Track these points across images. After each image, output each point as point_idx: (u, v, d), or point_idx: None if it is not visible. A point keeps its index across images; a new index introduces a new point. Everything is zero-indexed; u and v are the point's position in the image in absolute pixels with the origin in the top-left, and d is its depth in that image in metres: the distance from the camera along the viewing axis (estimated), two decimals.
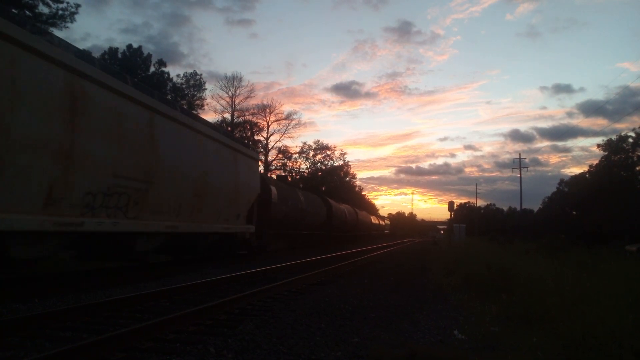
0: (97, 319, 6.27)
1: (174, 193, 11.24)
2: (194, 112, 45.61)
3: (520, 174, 50.19)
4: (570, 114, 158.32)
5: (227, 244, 15.74)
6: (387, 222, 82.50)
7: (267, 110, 54.28)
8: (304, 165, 64.21)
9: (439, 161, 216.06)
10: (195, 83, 45.51)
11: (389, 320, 7.22)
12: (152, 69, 40.26)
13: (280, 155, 58.62)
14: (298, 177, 60.80)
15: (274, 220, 21.12)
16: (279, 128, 55.23)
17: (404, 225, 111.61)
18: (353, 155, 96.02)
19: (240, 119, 52.16)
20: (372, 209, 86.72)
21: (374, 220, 60.85)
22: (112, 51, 38.74)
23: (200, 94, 46.03)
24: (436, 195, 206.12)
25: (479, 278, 10.60)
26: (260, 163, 53.70)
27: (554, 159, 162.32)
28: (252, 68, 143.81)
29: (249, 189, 16.41)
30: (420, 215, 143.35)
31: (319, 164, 65.73)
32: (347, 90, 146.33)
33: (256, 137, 54.26)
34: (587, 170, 61.21)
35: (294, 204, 24.83)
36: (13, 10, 25.92)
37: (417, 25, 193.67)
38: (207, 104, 47.83)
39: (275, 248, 23.02)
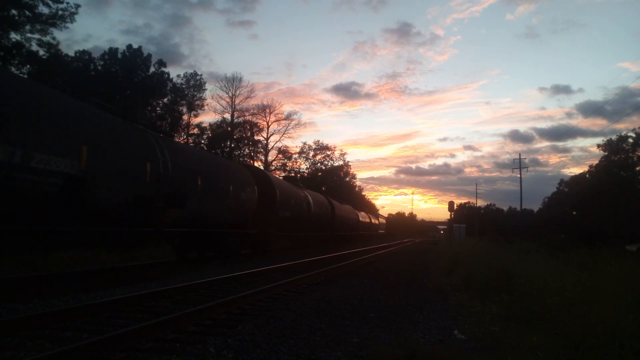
0: (97, 319, 6.28)
1: None
2: (194, 112, 45.85)
3: (520, 174, 50.26)
4: (569, 115, 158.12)
5: None
6: (382, 220, 74.06)
7: (267, 110, 54.36)
8: (304, 166, 64.45)
9: (439, 161, 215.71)
10: (195, 83, 45.57)
11: (389, 320, 7.22)
12: (152, 69, 40.29)
13: (280, 156, 58.76)
14: (298, 177, 60.82)
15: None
16: (279, 128, 55.36)
17: (404, 225, 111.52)
18: (353, 155, 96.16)
19: (240, 119, 52.21)
20: (363, 204, 79.51)
21: (363, 218, 48.81)
22: (112, 51, 38.74)
23: (201, 95, 46.14)
24: (436, 196, 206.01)
25: (479, 278, 10.60)
26: (259, 163, 54.11)
27: (553, 159, 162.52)
28: (252, 69, 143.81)
29: None
30: (420, 216, 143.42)
31: (319, 164, 65.91)
32: (347, 91, 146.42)
33: (256, 137, 54.35)
34: (587, 170, 61.32)
35: (138, 163, 11.06)
36: (13, 10, 26.05)
37: (416, 26, 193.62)
38: (207, 104, 47.90)
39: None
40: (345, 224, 37.50)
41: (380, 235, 63.07)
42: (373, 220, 57.23)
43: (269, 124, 54.77)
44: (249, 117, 52.95)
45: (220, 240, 16.06)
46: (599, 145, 55.54)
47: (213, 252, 16.20)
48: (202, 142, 46.84)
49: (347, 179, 74.62)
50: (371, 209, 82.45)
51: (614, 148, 52.90)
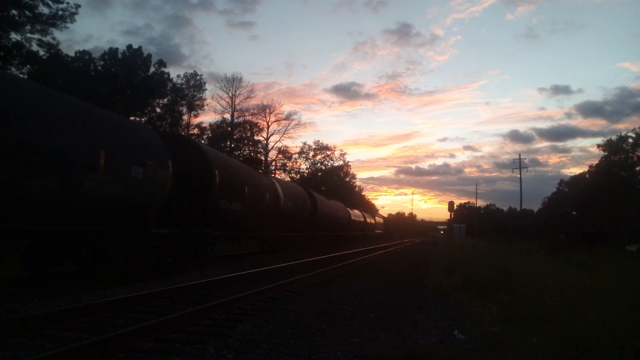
0: (97, 319, 6.28)
1: None
2: (194, 112, 45.90)
3: (520, 174, 50.29)
4: (569, 115, 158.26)
5: None
6: (380, 220, 70.42)
7: (267, 110, 54.26)
8: (304, 166, 64.33)
9: (439, 161, 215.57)
10: (195, 83, 45.49)
11: (389, 320, 7.22)
12: (152, 69, 40.25)
13: (280, 156, 58.70)
14: (298, 177, 60.82)
15: None
16: (279, 128, 55.24)
17: (404, 225, 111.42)
18: (353, 156, 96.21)
19: (240, 119, 52.16)
20: (363, 204, 76.64)
21: (356, 216, 42.97)
22: (112, 52, 38.71)
23: (201, 95, 46.04)
24: (436, 196, 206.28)
25: (479, 278, 10.61)
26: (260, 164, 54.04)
27: (553, 159, 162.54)
28: (252, 69, 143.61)
29: None
30: (420, 216, 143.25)
31: (319, 164, 65.78)
32: (347, 91, 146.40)
33: (256, 138, 54.32)
34: (587, 170, 61.28)
35: None
36: (13, 10, 26.08)
37: (416, 26, 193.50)
38: (207, 104, 47.82)
39: None
40: (332, 222, 31.78)
41: (377, 236, 60.24)
42: (368, 220, 51.77)
43: (269, 124, 54.76)
44: (249, 117, 52.95)
45: (92, 245, 9.98)
46: (598, 146, 55.58)
47: (80, 264, 10.36)
48: (202, 142, 46.86)
49: (347, 179, 74.50)
50: (369, 208, 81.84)
51: (614, 148, 52.88)
